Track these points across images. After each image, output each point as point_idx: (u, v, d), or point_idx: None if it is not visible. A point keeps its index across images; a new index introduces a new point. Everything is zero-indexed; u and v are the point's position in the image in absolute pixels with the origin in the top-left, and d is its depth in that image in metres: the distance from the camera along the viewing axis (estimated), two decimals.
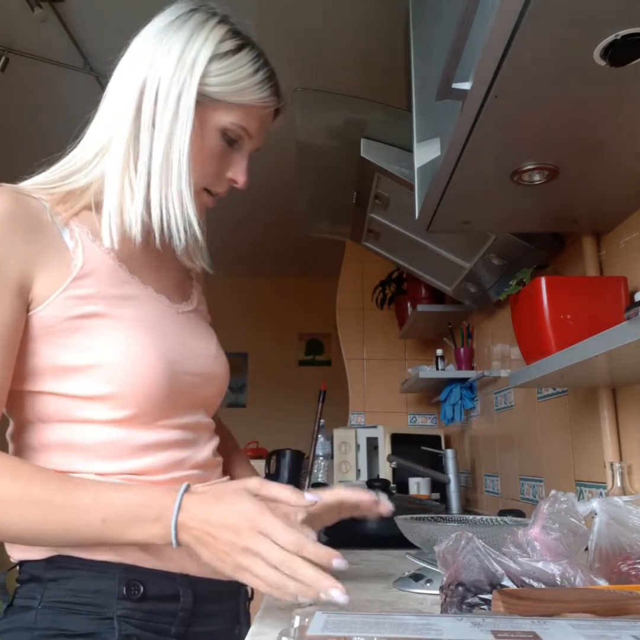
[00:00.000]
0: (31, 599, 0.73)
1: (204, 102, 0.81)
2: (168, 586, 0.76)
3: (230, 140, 0.84)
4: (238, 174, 0.86)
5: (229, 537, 0.63)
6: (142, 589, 0.74)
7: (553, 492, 0.74)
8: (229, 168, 0.86)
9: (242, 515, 0.64)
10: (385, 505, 0.83)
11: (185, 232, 0.81)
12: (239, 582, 0.85)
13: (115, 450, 0.76)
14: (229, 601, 0.85)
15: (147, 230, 0.81)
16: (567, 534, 0.69)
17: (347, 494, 0.83)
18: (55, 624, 0.71)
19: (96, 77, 2.16)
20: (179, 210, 0.80)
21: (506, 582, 0.64)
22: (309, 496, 0.67)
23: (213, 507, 0.65)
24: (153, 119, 0.80)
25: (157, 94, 0.80)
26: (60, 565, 0.73)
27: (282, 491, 0.67)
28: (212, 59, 0.80)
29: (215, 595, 0.82)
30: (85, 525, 0.67)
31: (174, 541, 0.65)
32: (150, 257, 0.87)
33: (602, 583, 0.67)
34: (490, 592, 0.61)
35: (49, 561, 0.74)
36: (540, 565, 0.65)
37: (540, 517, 0.71)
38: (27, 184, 0.80)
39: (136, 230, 0.80)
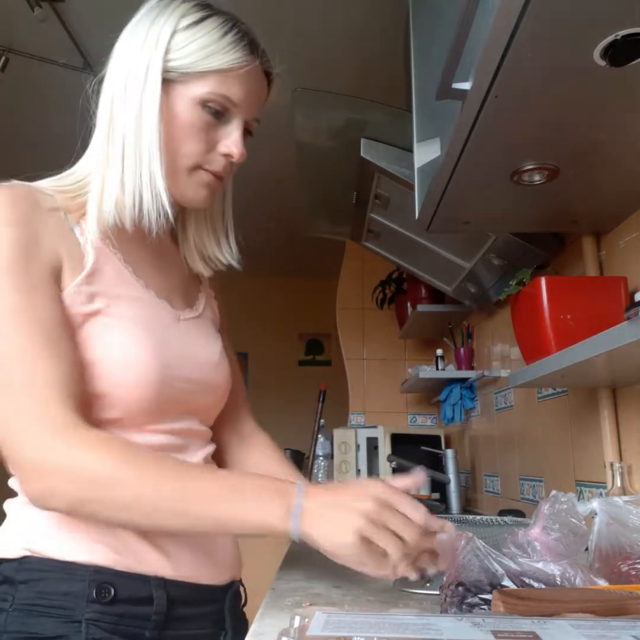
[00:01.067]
0: (3, 601, 0.72)
1: (175, 78, 0.79)
2: (141, 589, 0.74)
3: (215, 112, 0.80)
4: (231, 146, 0.81)
5: (359, 505, 0.64)
6: (112, 591, 0.72)
7: (553, 492, 0.74)
8: (221, 142, 0.82)
9: (374, 493, 0.65)
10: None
11: (157, 212, 0.79)
12: (222, 586, 0.84)
13: None
14: (210, 605, 0.83)
15: (123, 213, 0.79)
16: (567, 534, 0.69)
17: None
18: (25, 627, 0.70)
19: (96, 76, 2.16)
20: (149, 190, 0.78)
21: (506, 582, 0.64)
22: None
23: (338, 491, 0.67)
24: (124, 106, 0.79)
25: (125, 80, 0.79)
26: (31, 567, 0.72)
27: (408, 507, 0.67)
28: (175, 33, 0.79)
29: (194, 599, 0.79)
30: (207, 509, 0.67)
31: (296, 520, 0.65)
32: (156, 261, 0.87)
33: (602, 583, 0.67)
34: (490, 592, 0.61)
35: (21, 562, 0.73)
36: (540, 565, 0.65)
37: (541, 517, 0.71)
38: (37, 183, 0.80)
39: (115, 215, 0.78)
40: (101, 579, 0.72)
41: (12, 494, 0.80)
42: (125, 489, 0.67)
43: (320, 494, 0.67)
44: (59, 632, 0.70)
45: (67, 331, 0.72)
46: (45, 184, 0.80)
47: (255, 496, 0.67)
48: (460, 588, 0.63)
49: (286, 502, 0.66)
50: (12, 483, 0.78)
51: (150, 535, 0.76)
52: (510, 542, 0.69)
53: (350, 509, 0.64)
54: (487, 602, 0.61)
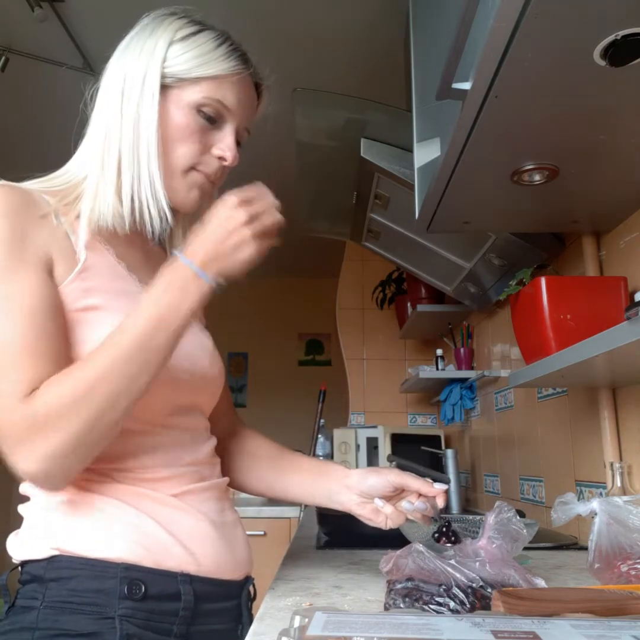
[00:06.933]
0: (33, 599, 0.73)
1: (173, 84, 0.82)
2: (169, 585, 0.76)
3: (209, 117, 0.84)
4: (225, 149, 0.85)
5: (226, 230, 0.73)
6: (143, 588, 0.74)
7: (497, 503, 0.79)
8: (215, 145, 0.85)
9: (221, 215, 0.74)
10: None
11: (159, 216, 0.82)
12: (240, 581, 0.86)
13: (111, 448, 0.76)
14: (230, 600, 0.85)
15: (121, 219, 0.81)
16: (508, 541, 0.75)
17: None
18: (57, 624, 0.71)
19: (96, 77, 2.16)
20: (150, 194, 0.81)
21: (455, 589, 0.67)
22: None
23: (204, 234, 0.74)
24: (121, 112, 0.82)
25: (123, 88, 0.82)
26: (61, 565, 0.73)
27: None
28: (172, 43, 0.83)
29: (216, 594, 0.82)
30: (154, 332, 0.70)
31: (205, 280, 0.72)
32: (144, 259, 0.88)
33: (539, 581, 0.71)
34: (441, 589, 0.65)
35: (50, 561, 0.74)
36: (477, 566, 0.69)
37: (487, 528, 0.76)
38: (27, 184, 0.81)
39: (111, 221, 0.80)
40: (132, 576, 0.74)
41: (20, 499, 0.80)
42: (94, 381, 0.68)
43: (198, 248, 0.73)
44: (93, 629, 0.71)
45: (56, 317, 0.73)
46: (34, 186, 0.81)
47: (176, 294, 0.72)
48: (409, 582, 0.66)
49: (192, 276, 0.72)
50: (24, 489, 0.79)
51: (174, 531, 0.77)
52: (461, 552, 0.75)
53: (231, 238, 0.73)
54: (432, 594, 0.64)
